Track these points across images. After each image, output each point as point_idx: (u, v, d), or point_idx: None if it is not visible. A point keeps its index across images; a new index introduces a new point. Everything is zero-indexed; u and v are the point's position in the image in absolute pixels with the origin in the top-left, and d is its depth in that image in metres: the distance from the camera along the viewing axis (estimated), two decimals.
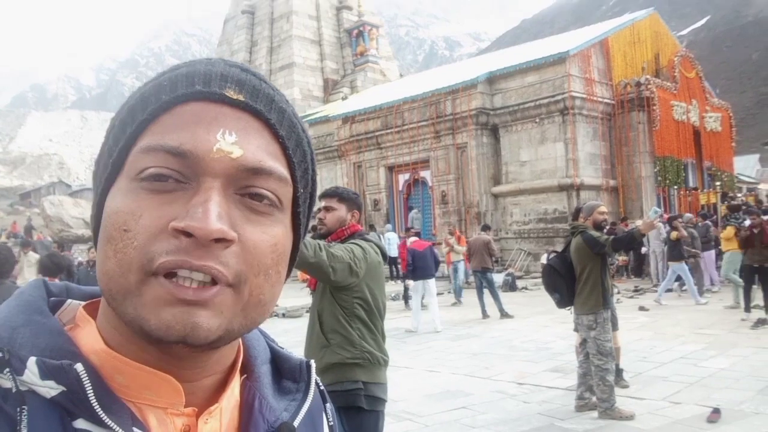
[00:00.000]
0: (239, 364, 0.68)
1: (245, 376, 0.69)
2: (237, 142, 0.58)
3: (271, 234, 0.60)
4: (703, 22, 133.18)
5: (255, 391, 0.68)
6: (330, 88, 34.35)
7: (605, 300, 5.79)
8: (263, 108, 0.61)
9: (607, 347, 5.73)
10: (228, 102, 0.59)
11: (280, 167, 0.61)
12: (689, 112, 23.77)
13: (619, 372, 6.66)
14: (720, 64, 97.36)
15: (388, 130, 24.17)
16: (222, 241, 0.56)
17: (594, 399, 5.93)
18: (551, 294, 6.17)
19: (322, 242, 3.05)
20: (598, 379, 5.74)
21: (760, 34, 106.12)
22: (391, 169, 24.75)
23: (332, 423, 0.77)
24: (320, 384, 0.77)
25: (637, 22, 24.59)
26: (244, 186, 0.59)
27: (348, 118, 25.88)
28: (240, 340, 0.69)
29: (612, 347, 5.84)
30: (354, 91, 33.50)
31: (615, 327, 6.77)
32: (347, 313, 3.18)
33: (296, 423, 0.68)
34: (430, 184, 23.54)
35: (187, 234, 0.55)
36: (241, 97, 0.60)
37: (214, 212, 0.55)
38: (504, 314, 12.38)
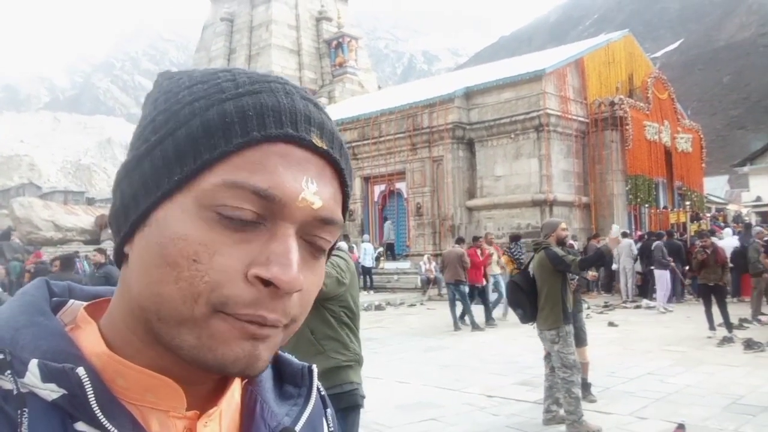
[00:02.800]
0: None
1: (246, 380, 0.69)
2: (317, 192, 0.58)
3: (319, 275, 0.62)
4: (676, 45, 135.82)
5: (256, 395, 0.68)
6: None
7: (566, 315, 5.86)
8: (338, 156, 0.61)
9: (571, 360, 5.80)
10: (312, 148, 0.59)
11: (341, 215, 0.62)
12: (661, 133, 24.21)
13: (586, 386, 6.75)
14: (692, 86, 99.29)
15: (365, 141, 24.22)
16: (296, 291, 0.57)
17: (561, 412, 5.99)
18: (515, 310, 6.29)
19: None
20: (565, 391, 5.81)
21: (731, 58, 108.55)
22: (367, 180, 24.78)
23: (333, 429, 0.77)
24: (321, 389, 0.77)
25: (612, 43, 25.02)
26: (311, 233, 0.59)
27: None
28: None
29: (575, 360, 5.91)
30: (332, 101, 33.51)
31: (584, 342, 6.87)
32: (336, 320, 3.32)
33: (298, 428, 0.68)
34: (405, 195, 23.61)
35: (267, 283, 0.55)
36: (324, 146, 0.59)
37: (295, 264, 0.56)
38: (475, 327, 12.45)
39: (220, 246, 0.55)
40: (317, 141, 0.59)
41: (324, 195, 0.59)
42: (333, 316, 3.31)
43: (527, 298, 6.00)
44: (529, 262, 6.18)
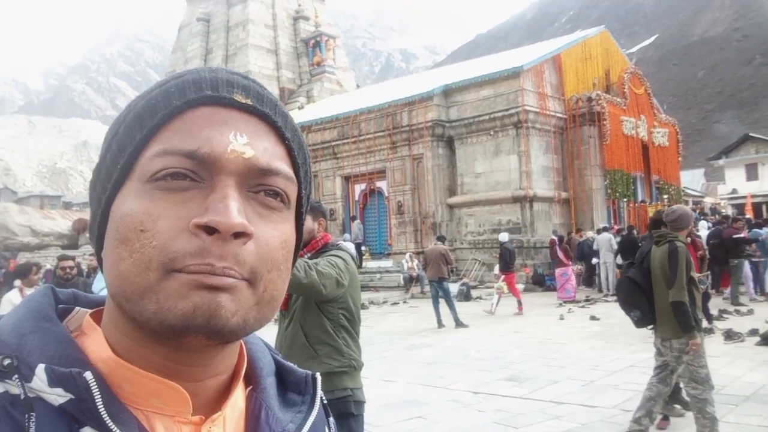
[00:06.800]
0: (242, 372, 0.69)
1: (251, 387, 0.70)
2: (248, 143, 0.60)
3: (281, 230, 0.63)
4: (651, 40, 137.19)
5: (261, 402, 0.68)
6: (286, 98, 34.21)
7: (696, 321, 4.95)
8: (269, 111, 0.63)
9: (703, 374, 4.91)
10: (236, 106, 0.61)
11: (286, 167, 0.64)
12: (638, 127, 24.45)
13: (677, 390, 5.89)
14: (667, 81, 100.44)
15: (345, 141, 24.19)
16: (242, 236, 0.57)
17: (651, 429, 5.36)
18: (629, 311, 5.36)
19: (309, 261, 3.08)
20: (696, 411, 4.93)
21: (705, 53, 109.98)
22: (348, 180, 24.75)
23: None
24: (324, 398, 0.78)
25: (588, 39, 25.24)
26: (255, 184, 0.61)
27: (304, 128, 25.79)
28: (242, 345, 0.71)
29: (708, 374, 4.97)
30: (310, 100, 33.43)
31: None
32: (333, 324, 3.23)
33: None
34: (386, 194, 23.63)
35: (209, 230, 0.56)
36: (249, 102, 0.62)
37: (234, 207, 0.57)
38: (459, 324, 12.47)
39: (162, 210, 0.57)
40: (240, 98, 0.62)
41: (258, 146, 0.61)
42: (330, 319, 3.22)
43: (646, 298, 5.19)
44: (646, 255, 5.19)
